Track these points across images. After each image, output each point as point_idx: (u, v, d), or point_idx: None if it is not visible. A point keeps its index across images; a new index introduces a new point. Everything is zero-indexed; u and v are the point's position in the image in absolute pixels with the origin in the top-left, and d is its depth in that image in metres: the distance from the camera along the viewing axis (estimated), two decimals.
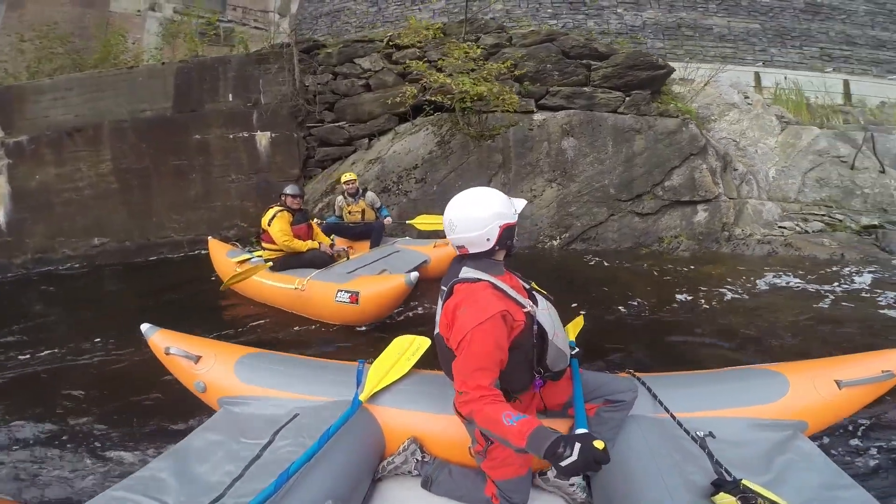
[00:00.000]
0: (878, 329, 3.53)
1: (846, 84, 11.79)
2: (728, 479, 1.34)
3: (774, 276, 4.77)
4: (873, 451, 2.16)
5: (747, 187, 6.90)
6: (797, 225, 6.41)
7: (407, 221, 4.87)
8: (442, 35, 6.76)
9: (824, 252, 5.55)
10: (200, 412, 2.26)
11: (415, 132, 6.87)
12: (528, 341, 1.38)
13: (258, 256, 4.10)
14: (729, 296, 4.30)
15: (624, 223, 6.04)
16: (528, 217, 6.01)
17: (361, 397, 1.72)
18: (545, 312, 1.46)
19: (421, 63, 6.19)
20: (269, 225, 3.84)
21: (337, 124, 7.70)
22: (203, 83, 7.55)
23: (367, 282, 3.32)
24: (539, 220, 6.04)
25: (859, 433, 2.26)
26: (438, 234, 5.31)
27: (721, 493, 1.30)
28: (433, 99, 6.33)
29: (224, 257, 4.54)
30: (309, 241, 4.04)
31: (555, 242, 6.00)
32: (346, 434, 1.57)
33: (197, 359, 2.00)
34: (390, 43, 7.04)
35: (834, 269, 5.02)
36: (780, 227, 6.42)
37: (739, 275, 4.87)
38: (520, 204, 1.51)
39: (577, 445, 1.06)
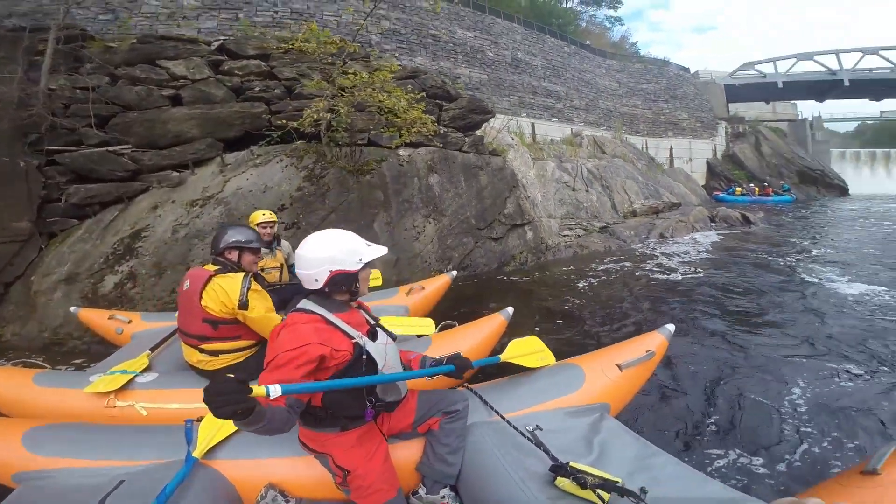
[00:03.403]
0: (670, 285, 6.09)
1: (533, 126, 17.36)
2: (560, 463, 1.56)
3: (595, 265, 7.20)
4: (664, 421, 2.81)
5: (536, 210, 9.42)
6: (571, 232, 9.33)
7: None
8: (340, 49, 5.95)
9: (599, 247, 8.45)
10: None
11: (259, 164, 5.78)
12: (356, 370, 1.51)
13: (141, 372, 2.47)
14: (580, 285, 6.35)
15: (486, 248, 7.18)
16: (418, 255, 6.25)
17: (196, 454, 1.69)
18: (381, 346, 1.62)
19: (319, 80, 5.31)
20: (242, 306, 2.25)
21: (112, 149, 5.45)
22: None
23: (454, 338, 2.76)
24: (427, 256, 6.38)
25: (648, 406, 2.99)
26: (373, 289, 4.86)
27: (559, 478, 1.52)
28: (287, 124, 5.55)
29: (31, 389, 2.58)
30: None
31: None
32: (188, 496, 1.56)
33: None
34: (222, 48, 5.61)
35: (614, 255, 7.89)
36: (563, 235, 9.16)
37: (574, 270, 7.09)
38: (374, 252, 1.60)
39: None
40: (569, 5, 29.16)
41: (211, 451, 1.74)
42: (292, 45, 5.93)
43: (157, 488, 1.49)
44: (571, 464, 1.53)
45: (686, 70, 26.85)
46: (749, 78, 27.76)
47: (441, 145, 6.70)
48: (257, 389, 1.14)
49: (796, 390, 3.22)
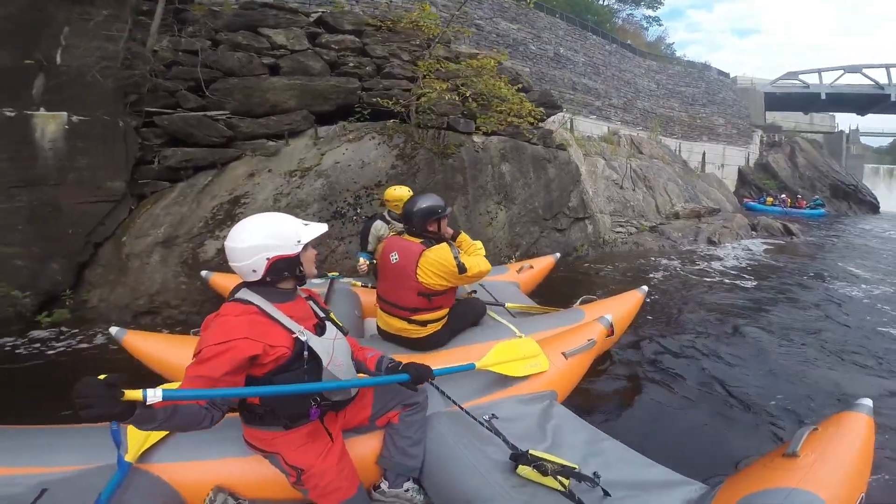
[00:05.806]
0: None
1: (571, 121, 17.48)
2: (520, 451, 1.60)
3: (654, 261, 7.45)
4: (607, 407, 2.90)
5: (592, 205, 9.65)
6: (623, 230, 9.55)
7: None
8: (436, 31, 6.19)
9: (653, 245, 8.69)
10: None
11: (352, 140, 6.03)
12: (297, 367, 1.43)
13: None
14: (650, 276, 6.62)
15: (552, 238, 7.44)
16: (490, 240, 6.51)
17: (129, 458, 1.58)
18: (328, 341, 1.55)
19: (428, 61, 5.57)
20: (461, 270, 2.37)
21: (209, 114, 5.70)
22: None
23: (602, 309, 2.95)
24: (499, 241, 6.64)
25: (593, 393, 3.03)
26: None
27: (520, 466, 1.56)
28: (383, 103, 5.81)
29: None
30: None
31: (513, 260, 6.75)
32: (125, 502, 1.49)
33: None
34: (320, 21, 5.85)
35: (669, 255, 8.20)
36: (616, 232, 9.39)
37: (632, 265, 7.41)
38: (313, 232, 1.52)
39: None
40: (605, 3, 29.07)
41: (146, 454, 1.64)
42: (404, 23, 6.15)
43: (87, 497, 1.40)
44: (531, 451, 1.59)
45: (726, 75, 26.88)
46: (791, 87, 27.69)
47: (530, 136, 6.95)
48: (130, 393, 1.05)
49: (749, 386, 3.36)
